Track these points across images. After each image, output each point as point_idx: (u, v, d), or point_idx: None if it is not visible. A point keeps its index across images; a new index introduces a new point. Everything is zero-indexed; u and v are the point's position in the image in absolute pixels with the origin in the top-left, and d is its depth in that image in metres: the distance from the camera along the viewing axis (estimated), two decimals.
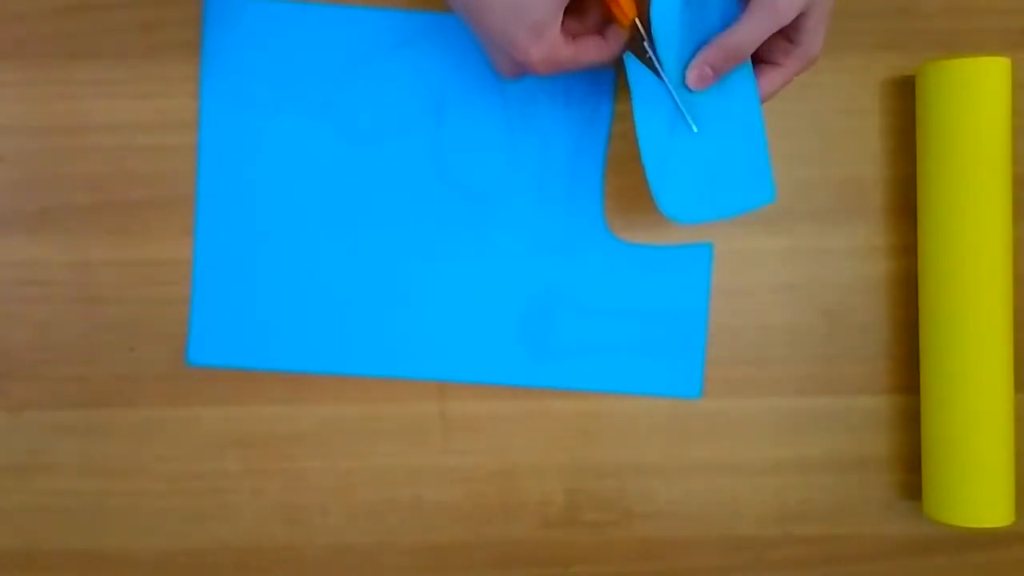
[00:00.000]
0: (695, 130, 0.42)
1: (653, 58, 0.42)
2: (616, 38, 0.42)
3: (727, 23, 0.41)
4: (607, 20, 0.43)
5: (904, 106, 0.50)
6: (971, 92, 0.46)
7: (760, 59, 0.43)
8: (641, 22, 0.41)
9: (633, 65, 0.42)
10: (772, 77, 0.43)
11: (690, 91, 0.42)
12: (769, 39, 0.41)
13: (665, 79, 0.42)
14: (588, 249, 0.49)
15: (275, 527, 0.49)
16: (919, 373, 0.49)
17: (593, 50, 0.41)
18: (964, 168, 0.46)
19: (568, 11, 0.41)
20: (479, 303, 0.49)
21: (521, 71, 0.42)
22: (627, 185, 0.49)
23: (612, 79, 0.49)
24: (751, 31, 0.40)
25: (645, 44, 0.42)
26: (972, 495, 0.46)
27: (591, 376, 0.49)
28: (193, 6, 0.48)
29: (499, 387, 0.49)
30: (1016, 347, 0.47)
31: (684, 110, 0.42)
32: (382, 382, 0.49)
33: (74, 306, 0.49)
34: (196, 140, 0.48)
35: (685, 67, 0.42)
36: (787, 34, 0.41)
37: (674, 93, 0.42)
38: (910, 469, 0.50)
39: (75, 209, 0.49)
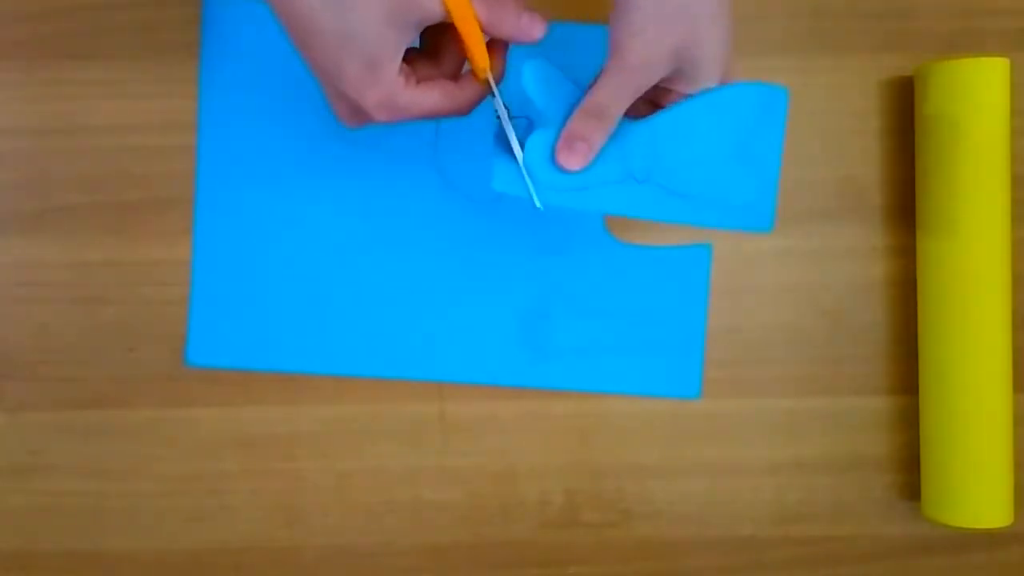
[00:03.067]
0: (539, 206, 0.37)
1: (503, 120, 0.37)
2: (470, 87, 0.37)
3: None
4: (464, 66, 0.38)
5: (904, 106, 0.50)
6: (971, 92, 0.46)
7: None
8: (496, 79, 0.37)
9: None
10: None
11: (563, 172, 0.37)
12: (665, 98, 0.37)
13: (516, 147, 0.37)
14: (587, 250, 0.49)
15: (274, 528, 0.49)
16: (918, 374, 0.49)
17: (439, 96, 0.36)
18: (964, 168, 0.46)
19: (423, 54, 0.37)
20: (479, 303, 0.49)
21: (361, 118, 0.37)
22: None
23: None
24: (610, 90, 0.36)
25: (495, 103, 0.37)
26: (971, 496, 0.46)
27: (590, 377, 0.49)
28: (193, 6, 0.48)
29: (499, 388, 0.49)
30: (1015, 348, 0.47)
31: (531, 182, 0.37)
32: (381, 383, 0.49)
33: (73, 307, 0.49)
34: (195, 141, 0.48)
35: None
36: (676, 96, 0.37)
37: (523, 166, 0.37)
38: (909, 470, 0.50)
39: (74, 209, 0.49)
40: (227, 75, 0.48)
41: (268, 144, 0.49)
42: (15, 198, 0.48)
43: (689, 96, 0.38)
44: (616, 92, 0.36)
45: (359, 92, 0.35)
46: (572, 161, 0.36)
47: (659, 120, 0.38)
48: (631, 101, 0.37)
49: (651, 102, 0.39)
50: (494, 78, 0.37)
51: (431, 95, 0.36)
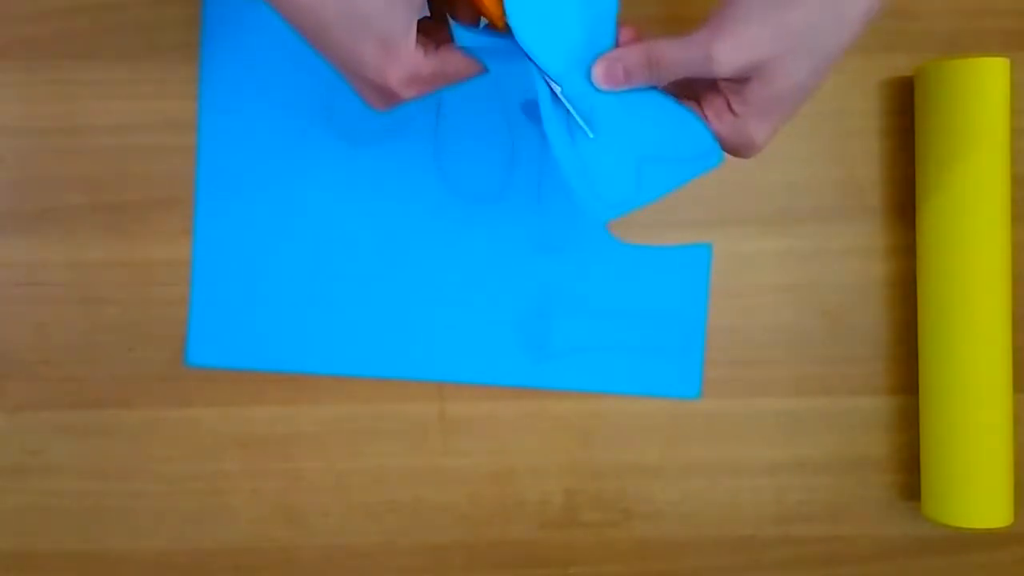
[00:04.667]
0: (591, 136, 0.37)
1: (533, 62, 0.36)
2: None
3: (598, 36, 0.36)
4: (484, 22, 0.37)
5: (904, 106, 0.50)
6: (971, 92, 0.46)
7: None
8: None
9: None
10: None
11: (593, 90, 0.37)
12: (713, 97, 0.36)
13: (550, 80, 0.36)
14: (587, 250, 0.49)
15: (274, 528, 0.49)
16: (918, 373, 0.49)
17: (462, 57, 0.35)
18: (964, 168, 0.46)
19: (437, 20, 0.36)
20: (478, 303, 0.49)
21: (390, 99, 0.36)
22: None
23: None
24: (679, 51, 0.35)
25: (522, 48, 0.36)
26: (971, 496, 0.46)
27: (590, 377, 0.49)
28: (193, 6, 0.48)
29: (498, 388, 0.49)
30: (1015, 348, 0.47)
31: (577, 114, 0.37)
32: (381, 383, 0.49)
33: (73, 307, 0.49)
34: (195, 141, 0.48)
35: (572, 68, 0.36)
36: (729, 101, 0.36)
37: (564, 97, 0.37)
38: (909, 470, 0.50)
39: (74, 209, 0.49)
40: (227, 75, 0.48)
41: (268, 144, 0.49)
42: (15, 198, 0.48)
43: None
44: (682, 53, 0.35)
45: (381, 74, 0.34)
46: (602, 78, 0.36)
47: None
48: (685, 75, 0.35)
49: (692, 95, 0.38)
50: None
51: (454, 58, 0.35)
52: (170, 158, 0.49)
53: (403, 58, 0.34)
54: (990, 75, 0.46)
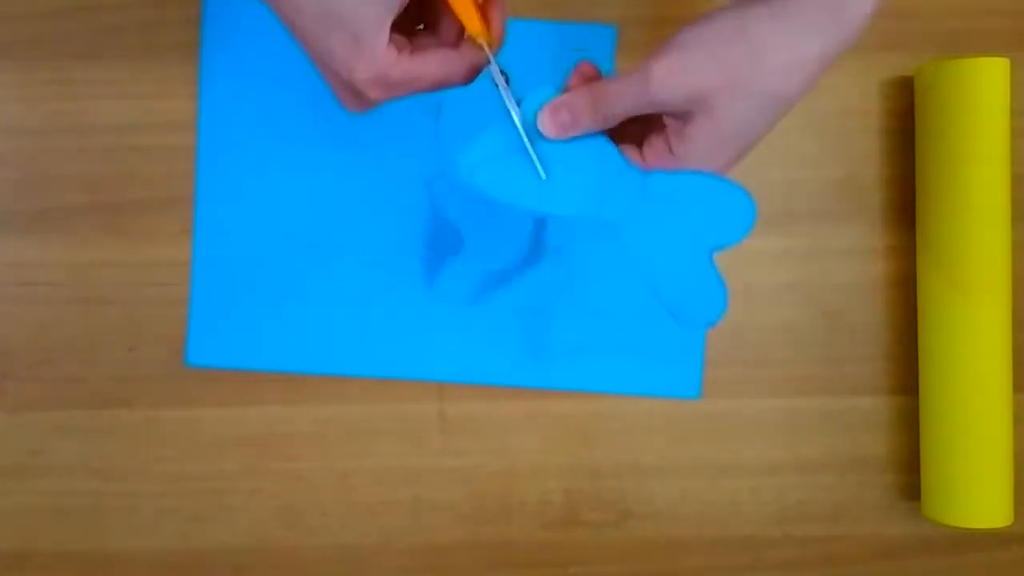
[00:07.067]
0: (543, 177, 0.35)
1: (501, 88, 0.35)
2: (471, 52, 0.35)
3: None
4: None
5: (904, 106, 0.50)
6: (970, 92, 0.46)
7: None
8: (493, 42, 0.35)
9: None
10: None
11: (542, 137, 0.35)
12: (655, 139, 0.35)
13: (516, 114, 0.35)
14: (587, 250, 0.49)
15: (274, 528, 0.49)
16: (918, 374, 0.49)
17: (437, 66, 0.34)
18: (963, 168, 0.46)
19: (425, 25, 0.36)
20: (478, 303, 0.49)
21: (358, 99, 0.35)
22: None
23: None
24: (620, 82, 0.33)
25: (492, 69, 0.35)
26: (971, 496, 0.46)
27: (590, 376, 0.49)
28: (193, 6, 0.48)
29: (498, 387, 0.49)
30: (1015, 348, 0.47)
31: (533, 152, 0.35)
32: (381, 382, 0.49)
33: (73, 306, 0.49)
34: (195, 141, 0.49)
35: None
36: (670, 141, 0.34)
37: (523, 131, 0.35)
38: (909, 470, 0.50)
39: (74, 209, 0.49)
40: (227, 75, 0.48)
41: (268, 144, 0.49)
42: (15, 198, 0.48)
43: (672, 167, 0.35)
44: (624, 92, 0.33)
45: (348, 70, 0.33)
46: (549, 126, 0.34)
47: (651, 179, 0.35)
48: (633, 111, 0.34)
49: (639, 136, 0.36)
50: (492, 40, 0.35)
51: (427, 65, 0.34)
52: (170, 158, 0.49)
53: (372, 57, 0.32)
54: (990, 75, 0.46)
